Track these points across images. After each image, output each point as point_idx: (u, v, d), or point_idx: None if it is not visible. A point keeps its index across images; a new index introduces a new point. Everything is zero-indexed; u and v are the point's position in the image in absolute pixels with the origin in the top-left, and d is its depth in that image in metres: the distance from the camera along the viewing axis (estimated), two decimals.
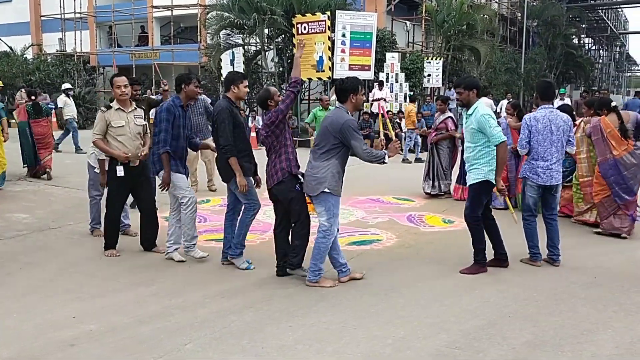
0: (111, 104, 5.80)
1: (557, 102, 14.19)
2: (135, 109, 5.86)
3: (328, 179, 4.79)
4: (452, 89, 17.37)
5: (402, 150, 13.63)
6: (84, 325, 4.13)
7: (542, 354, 3.73)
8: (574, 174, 7.31)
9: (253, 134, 14.87)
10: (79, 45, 25.61)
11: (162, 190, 5.66)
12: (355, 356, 3.70)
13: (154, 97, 8.53)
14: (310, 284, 4.96)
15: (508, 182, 8.24)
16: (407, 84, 18.10)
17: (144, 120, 5.87)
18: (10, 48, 25.50)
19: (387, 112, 16.57)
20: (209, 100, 9.13)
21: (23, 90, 16.61)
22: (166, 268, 5.54)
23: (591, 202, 7.01)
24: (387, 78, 17.63)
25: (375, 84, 17.23)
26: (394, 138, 5.38)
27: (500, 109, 16.94)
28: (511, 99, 17.40)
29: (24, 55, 25.56)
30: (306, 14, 16.80)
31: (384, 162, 4.83)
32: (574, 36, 38.30)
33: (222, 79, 18.32)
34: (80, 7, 25.47)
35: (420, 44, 23.84)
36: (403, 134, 15.97)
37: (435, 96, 16.31)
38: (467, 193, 5.39)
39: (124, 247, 6.03)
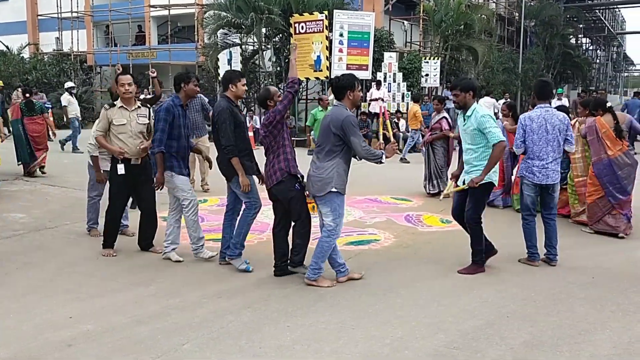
0: (115, 102, 5.80)
1: (555, 103, 14.23)
2: (139, 107, 5.82)
3: (334, 178, 4.79)
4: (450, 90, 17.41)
5: (400, 151, 13.63)
6: (81, 326, 4.12)
7: (540, 354, 3.74)
8: (569, 175, 7.32)
9: (250, 134, 14.84)
10: (76, 44, 25.55)
11: (157, 189, 5.65)
12: (354, 356, 3.70)
13: (149, 96, 8.51)
14: (308, 281, 4.96)
15: (504, 182, 8.28)
16: (405, 83, 18.10)
17: (148, 119, 5.82)
18: (7, 47, 25.42)
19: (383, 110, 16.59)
20: (207, 100, 9.12)
21: (19, 89, 16.59)
22: (164, 268, 5.52)
23: (585, 202, 7.02)
24: (385, 78, 17.63)
25: (373, 83, 17.23)
26: (392, 139, 5.38)
27: (497, 110, 16.95)
28: (508, 99, 17.43)
29: (21, 55, 25.49)
30: (304, 14, 16.78)
31: (381, 162, 4.83)
32: (571, 36, 38.35)
33: (220, 78, 18.30)
34: (77, 6, 25.42)
35: (418, 43, 23.84)
36: (400, 134, 15.98)
37: (432, 96, 16.32)
38: (469, 194, 5.29)
39: (122, 247, 6.01)
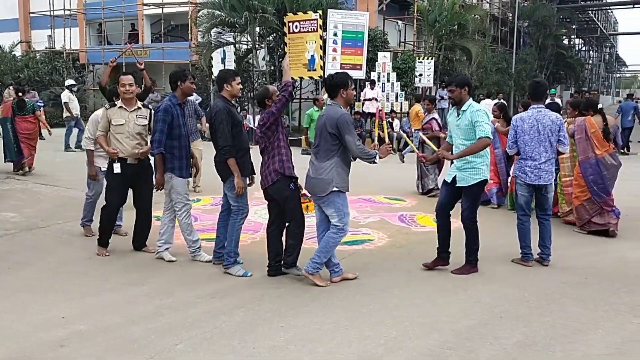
0: (116, 102, 5.77)
1: (547, 102, 14.26)
2: (140, 108, 5.78)
3: (334, 177, 4.79)
4: (445, 89, 17.46)
5: (393, 151, 13.62)
6: (74, 325, 4.10)
7: (533, 354, 3.75)
8: (558, 175, 7.37)
9: None
10: (69, 42, 25.42)
11: (157, 190, 5.61)
12: (348, 356, 3.69)
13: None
14: (306, 273, 4.95)
15: (499, 181, 8.34)
16: (399, 83, 18.12)
17: (148, 120, 5.77)
18: None
19: (379, 111, 16.58)
20: (199, 100, 9.09)
21: (11, 87, 16.51)
22: (157, 268, 5.50)
23: (572, 203, 7.09)
24: (379, 77, 17.64)
25: (366, 83, 17.24)
26: (386, 140, 5.38)
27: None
28: (501, 100, 17.45)
29: (13, 52, 25.35)
30: (298, 13, 16.78)
31: (374, 162, 4.83)
32: (564, 37, 38.58)
33: (213, 77, 18.26)
34: (70, 4, 25.27)
35: (412, 43, 23.88)
36: (395, 134, 15.99)
37: (424, 96, 16.34)
38: (464, 194, 5.27)
39: (115, 247, 5.98)
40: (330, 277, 5.07)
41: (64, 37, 25.23)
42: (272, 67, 18.60)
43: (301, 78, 17.33)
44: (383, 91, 17.59)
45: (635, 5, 39.46)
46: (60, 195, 8.81)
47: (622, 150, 15.70)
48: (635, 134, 17.44)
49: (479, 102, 7.36)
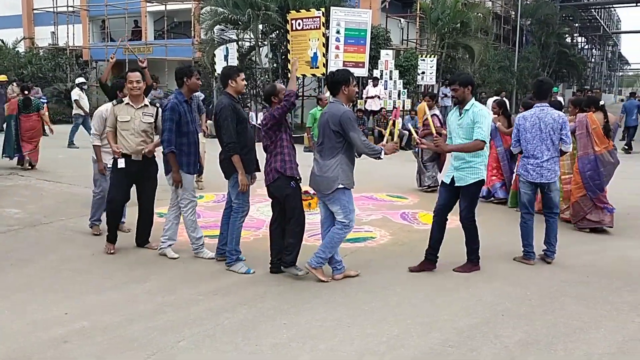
0: (123, 99, 5.78)
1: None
2: (146, 106, 5.78)
3: (339, 175, 4.81)
4: (447, 87, 17.40)
5: (400, 148, 13.61)
6: (76, 323, 4.11)
7: (534, 352, 3.75)
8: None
9: None
10: (72, 39, 25.43)
11: (176, 188, 5.57)
12: (349, 354, 3.70)
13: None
14: (309, 267, 4.97)
15: (503, 177, 8.39)
16: (401, 81, 18.10)
17: (154, 118, 5.77)
18: (2, 41, 25.29)
19: (381, 109, 16.56)
20: (202, 97, 9.10)
21: (14, 84, 16.53)
22: (160, 265, 5.51)
23: (569, 200, 7.12)
24: (381, 75, 17.62)
25: (369, 80, 17.23)
26: (395, 139, 5.40)
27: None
28: (504, 97, 17.41)
29: (16, 49, 25.36)
30: (301, 10, 16.77)
31: (379, 158, 4.84)
32: (567, 35, 38.51)
33: (216, 74, 18.26)
34: (73, 0, 25.29)
35: (415, 41, 23.85)
36: (397, 132, 15.96)
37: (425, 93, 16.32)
38: (462, 193, 5.24)
39: (117, 244, 5.95)
40: (332, 274, 5.08)
41: (67, 33, 25.23)
42: (275, 65, 18.58)
43: (304, 76, 17.32)
44: (385, 89, 17.57)
45: (639, 4, 39.33)
46: (64, 192, 8.83)
47: (625, 148, 15.68)
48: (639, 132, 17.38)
49: (481, 101, 7.37)
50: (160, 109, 5.76)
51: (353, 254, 5.91)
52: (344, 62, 16.33)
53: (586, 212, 6.87)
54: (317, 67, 16.42)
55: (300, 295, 4.73)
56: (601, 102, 7.25)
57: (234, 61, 17.54)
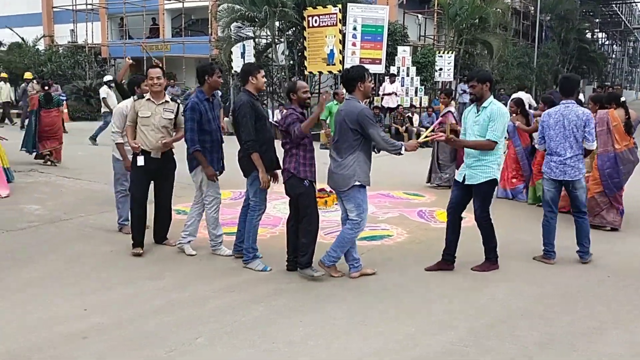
0: (144, 95, 5.80)
1: None
2: (167, 102, 5.76)
3: (357, 171, 4.80)
4: (466, 83, 17.25)
5: (419, 146, 13.53)
6: (93, 318, 4.16)
7: (553, 353, 3.71)
8: None
9: None
10: (90, 36, 25.70)
11: (214, 182, 5.56)
12: (364, 352, 3.70)
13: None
14: (321, 264, 4.98)
15: (523, 177, 8.32)
16: (418, 78, 18.00)
17: (175, 115, 5.75)
18: (22, 39, 25.64)
19: (398, 106, 16.47)
20: (220, 94, 9.14)
21: (35, 81, 16.78)
22: (177, 262, 5.55)
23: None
24: (398, 72, 17.53)
25: (386, 77, 17.16)
26: (420, 139, 5.33)
27: (530, 105, 16.56)
28: (527, 94, 17.15)
29: (36, 47, 25.69)
30: (317, 7, 16.73)
31: (399, 154, 4.81)
32: (587, 31, 37.90)
33: (233, 71, 18.32)
34: None
35: (432, 37, 23.70)
36: (414, 130, 15.89)
37: (440, 90, 16.21)
38: (474, 192, 5.18)
39: None
40: (349, 272, 5.08)
41: (86, 31, 25.53)
42: (292, 62, 18.59)
43: (320, 72, 17.30)
44: (402, 85, 17.49)
45: None
46: (83, 189, 8.93)
47: None
48: None
49: (499, 98, 7.26)
50: (180, 105, 5.78)
51: (370, 251, 5.89)
52: (360, 58, 16.28)
53: (602, 208, 6.78)
54: (334, 64, 16.37)
55: (315, 293, 4.73)
56: (622, 99, 7.16)
57: (250, 58, 17.57)
